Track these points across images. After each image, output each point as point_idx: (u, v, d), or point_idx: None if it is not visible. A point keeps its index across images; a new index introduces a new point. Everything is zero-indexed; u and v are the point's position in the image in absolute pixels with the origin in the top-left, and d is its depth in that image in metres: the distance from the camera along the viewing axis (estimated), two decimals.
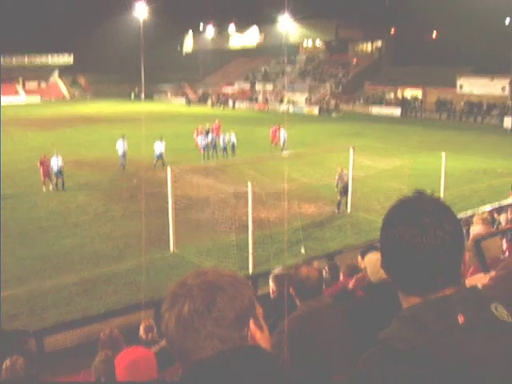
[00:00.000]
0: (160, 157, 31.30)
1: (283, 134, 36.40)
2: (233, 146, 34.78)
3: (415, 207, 1.66)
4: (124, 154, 30.85)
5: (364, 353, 1.63)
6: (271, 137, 37.72)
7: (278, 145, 36.31)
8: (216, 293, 1.52)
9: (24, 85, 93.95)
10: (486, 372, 1.43)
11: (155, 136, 32.33)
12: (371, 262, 4.36)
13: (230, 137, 35.06)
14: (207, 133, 36.13)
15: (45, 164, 26.06)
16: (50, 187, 25.97)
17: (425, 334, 1.50)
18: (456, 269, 1.64)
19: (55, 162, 25.97)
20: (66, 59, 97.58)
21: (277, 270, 5.90)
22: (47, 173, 26.01)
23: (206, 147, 34.26)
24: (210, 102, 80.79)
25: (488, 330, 1.50)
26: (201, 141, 34.53)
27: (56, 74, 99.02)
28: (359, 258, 6.43)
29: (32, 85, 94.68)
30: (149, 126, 44.09)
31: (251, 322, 1.56)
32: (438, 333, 1.49)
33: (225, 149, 34.51)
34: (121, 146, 30.95)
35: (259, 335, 1.58)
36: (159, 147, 31.57)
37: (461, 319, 1.50)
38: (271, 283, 5.65)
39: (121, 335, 7.34)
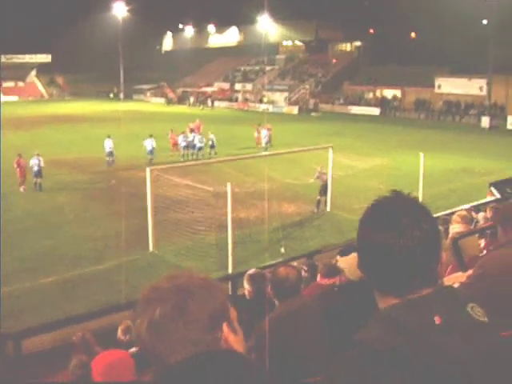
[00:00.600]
0: (152, 153, 32.17)
1: (265, 133, 36.48)
2: (212, 145, 34.78)
3: (392, 208, 1.65)
4: (111, 153, 31.31)
5: (341, 353, 1.62)
6: (256, 137, 37.81)
7: (260, 144, 36.43)
8: (187, 296, 1.50)
9: (1, 84, 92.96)
10: (462, 372, 1.42)
11: (142, 134, 32.65)
12: (349, 261, 4.35)
13: (209, 136, 35.11)
14: (191, 132, 36.20)
15: (21, 164, 25.81)
16: (21, 189, 25.69)
17: (402, 334, 1.49)
18: (433, 269, 1.64)
19: (35, 163, 25.75)
20: (44, 58, 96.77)
21: (251, 271, 5.89)
22: (23, 173, 25.76)
23: (186, 147, 34.24)
24: (189, 101, 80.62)
25: (464, 331, 1.50)
26: (181, 140, 34.48)
27: (33, 73, 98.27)
28: (338, 258, 6.44)
29: (9, 84, 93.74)
30: (128, 126, 43.87)
31: (224, 325, 1.55)
32: (415, 333, 1.48)
33: (200, 148, 34.58)
34: (108, 145, 31.37)
35: (233, 338, 1.56)
36: (150, 144, 32.42)
37: (437, 320, 1.50)
38: (246, 284, 5.65)
39: (93, 338, 7.28)
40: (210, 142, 34.93)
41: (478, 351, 1.46)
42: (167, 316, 1.48)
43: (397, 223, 1.60)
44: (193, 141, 34.82)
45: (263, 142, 36.36)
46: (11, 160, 27.49)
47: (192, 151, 34.53)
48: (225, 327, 1.55)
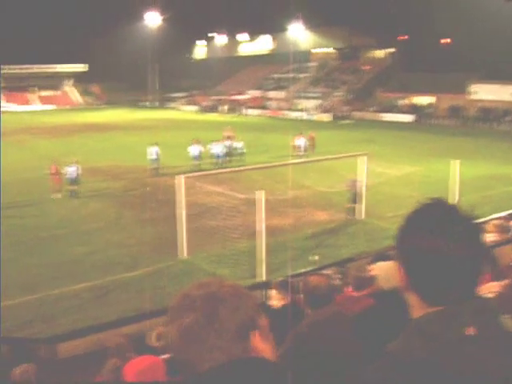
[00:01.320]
0: (197, 158, 32.83)
1: (303, 141, 36.41)
2: (241, 153, 34.95)
3: (441, 214, 1.63)
4: (157, 159, 31.67)
5: (371, 363, 1.61)
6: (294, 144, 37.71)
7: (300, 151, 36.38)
8: (218, 304, 1.51)
9: (39, 93, 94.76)
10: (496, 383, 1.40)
11: (175, 142, 32.86)
12: (383, 270, 4.32)
13: (238, 145, 35.32)
14: (228, 139, 36.42)
15: (56, 172, 26.21)
16: (59, 195, 26.06)
17: (433, 345, 1.47)
18: (476, 279, 1.62)
19: (73, 170, 26.22)
20: (81, 68, 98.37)
21: (280, 279, 5.89)
22: (58, 180, 26.14)
23: (221, 155, 34.51)
24: (221, 109, 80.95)
25: (498, 342, 1.48)
26: (216, 149, 34.69)
27: (70, 82, 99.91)
28: (372, 266, 6.39)
29: (47, 93, 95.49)
30: (162, 134, 44.25)
31: (255, 333, 1.55)
32: (447, 344, 1.46)
33: (225, 155, 34.68)
34: (153, 153, 31.77)
35: (263, 347, 1.56)
36: (195, 150, 33.05)
37: (470, 331, 1.48)
38: (275, 292, 5.64)
39: (129, 344, 7.34)
40: (240, 151, 35.07)
41: (511, 363, 1.44)
42: (198, 323, 1.49)
43: (448, 230, 1.58)
44: (233, 147, 35.19)
45: (301, 149, 36.15)
46: (44, 168, 27.95)
47: (224, 159, 34.61)
48: (255, 336, 1.55)
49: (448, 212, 1.64)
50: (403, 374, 1.47)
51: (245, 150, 35.19)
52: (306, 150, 35.94)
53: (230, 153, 34.93)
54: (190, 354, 1.50)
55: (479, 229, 1.64)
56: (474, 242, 1.59)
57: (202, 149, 33.54)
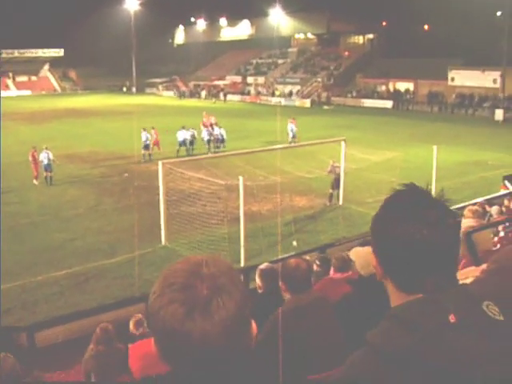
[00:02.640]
0: (183, 144, 32.90)
1: (291, 127, 36.28)
2: (222, 139, 34.85)
3: (415, 200, 1.61)
4: (147, 145, 31.52)
5: (352, 351, 1.59)
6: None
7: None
8: (219, 289, 1.39)
9: (14, 79, 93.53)
10: (478, 372, 1.40)
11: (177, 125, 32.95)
12: (360, 256, 4.32)
13: (220, 130, 35.15)
14: (212, 126, 36.21)
15: (35, 158, 25.99)
16: (35, 182, 25.88)
17: (414, 333, 1.46)
18: (453, 265, 1.61)
19: (45, 156, 25.82)
20: (57, 52, 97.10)
21: (263, 265, 5.88)
22: (37, 167, 25.91)
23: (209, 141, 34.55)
24: (201, 94, 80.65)
25: (480, 329, 1.47)
26: (205, 134, 34.68)
27: (46, 67, 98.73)
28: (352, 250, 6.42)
29: (22, 79, 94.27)
30: (140, 119, 43.94)
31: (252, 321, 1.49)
32: (429, 333, 1.45)
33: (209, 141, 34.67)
34: (144, 137, 31.54)
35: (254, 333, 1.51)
36: (182, 135, 33.03)
37: (452, 318, 1.47)
38: (257, 278, 5.63)
39: (114, 331, 7.32)
40: (220, 136, 34.96)
41: (494, 350, 1.43)
42: (206, 297, 1.36)
43: (421, 215, 1.56)
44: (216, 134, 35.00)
45: (290, 135, 35.80)
46: (25, 154, 27.68)
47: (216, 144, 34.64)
48: (253, 323, 1.49)
49: (420, 197, 1.63)
50: (383, 364, 1.46)
51: (225, 137, 35.02)
52: (294, 137, 35.70)
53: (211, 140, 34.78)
54: (192, 333, 1.35)
55: (452, 213, 1.62)
56: (447, 227, 1.57)
57: (190, 134, 33.47)
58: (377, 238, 1.66)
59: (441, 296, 1.53)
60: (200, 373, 1.40)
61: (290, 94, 74.40)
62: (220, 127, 35.47)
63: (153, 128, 33.05)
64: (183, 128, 33.47)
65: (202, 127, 36.33)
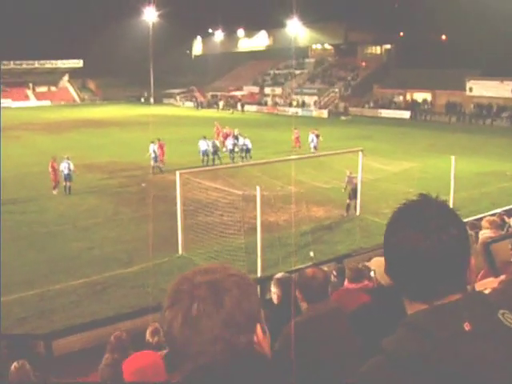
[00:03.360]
0: (205, 153, 32.85)
1: (312, 137, 36.25)
2: (247, 149, 34.89)
3: (420, 211, 1.62)
4: (156, 158, 31.22)
5: (368, 360, 1.59)
6: (294, 141, 37.78)
7: (302, 148, 36.30)
8: (224, 293, 1.44)
9: (34, 89, 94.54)
10: (492, 380, 1.39)
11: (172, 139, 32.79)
12: (381, 265, 4.30)
13: (244, 140, 35.20)
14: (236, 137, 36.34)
15: (54, 168, 26.16)
16: (57, 191, 26.06)
17: (429, 341, 1.45)
18: (461, 274, 1.61)
19: (65, 166, 25.98)
20: (76, 63, 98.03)
21: (279, 275, 5.87)
22: (56, 176, 26.09)
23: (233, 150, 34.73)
24: (219, 105, 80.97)
25: (495, 337, 1.46)
26: (229, 144, 34.92)
27: (66, 78, 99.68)
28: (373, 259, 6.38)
29: (42, 89, 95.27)
30: (158, 130, 44.18)
31: (258, 326, 1.51)
32: (443, 340, 1.45)
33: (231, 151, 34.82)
34: (151, 149, 31.29)
35: (263, 340, 1.53)
36: (203, 145, 33.03)
37: (467, 326, 1.46)
38: (274, 288, 5.62)
39: (129, 339, 7.33)
40: (245, 147, 34.98)
41: (508, 359, 1.42)
42: (205, 312, 1.41)
43: (424, 226, 1.57)
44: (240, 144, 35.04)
45: (311, 146, 36.00)
46: (43, 164, 27.93)
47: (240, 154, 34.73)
48: (258, 328, 1.50)
49: (427, 207, 1.63)
50: (398, 371, 1.46)
51: (250, 147, 35.02)
52: (315, 147, 35.72)
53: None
54: (191, 344, 1.42)
55: (458, 224, 1.62)
56: (449, 237, 1.56)
57: (211, 144, 33.54)
58: (384, 246, 1.68)
59: (456, 304, 1.53)
60: (204, 380, 1.42)
61: (303, 104, 74.36)
62: (245, 137, 35.39)
63: (158, 140, 32.68)
64: (204, 138, 33.53)
65: (220, 137, 36.46)
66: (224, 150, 35.14)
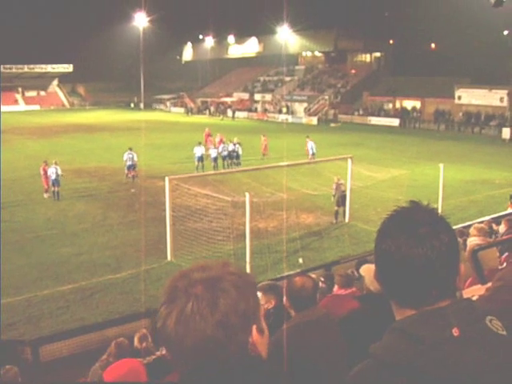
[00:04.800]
0: (200, 159, 32.75)
1: (311, 145, 36.03)
2: (237, 155, 34.89)
3: (411, 218, 1.63)
4: (133, 166, 30.00)
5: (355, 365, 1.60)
6: (262, 147, 37.86)
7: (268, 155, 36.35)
8: (220, 294, 1.43)
9: (23, 94, 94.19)
10: None
11: (163, 144, 32.46)
12: (369, 272, 4.31)
13: (234, 147, 35.16)
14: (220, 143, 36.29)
15: (46, 172, 26.04)
16: (45, 195, 25.97)
17: (418, 347, 1.47)
18: (451, 281, 1.62)
19: (53, 171, 25.83)
20: (66, 68, 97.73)
21: (265, 282, 5.88)
22: (46, 181, 25.98)
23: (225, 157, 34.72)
24: (210, 111, 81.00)
25: (482, 343, 1.47)
26: (222, 150, 34.79)
27: (55, 82, 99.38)
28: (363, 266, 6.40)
29: (31, 94, 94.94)
30: (148, 136, 44.14)
31: (254, 327, 1.49)
32: (432, 346, 1.46)
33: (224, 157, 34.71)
34: (129, 158, 30.01)
35: (259, 341, 1.52)
36: (199, 151, 32.94)
37: (456, 332, 1.48)
38: (260, 295, 5.62)
39: (129, 347, 7.32)
40: (235, 153, 34.99)
41: (496, 364, 1.44)
42: (198, 313, 1.40)
43: (415, 232, 1.58)
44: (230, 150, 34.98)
45: (310, 153, 35.63)
46: (32, 168, 27.81)
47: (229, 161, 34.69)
48: (254, 329, 1.49)
49: (416, 214, 1.64)
50: (386, 376, 1.47)
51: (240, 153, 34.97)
52: (313, 154, 35.32)
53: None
54: (184, 343, 1.41)
55: (448, 230, 1.63)
56: (439, 243, 1.57)
57: (204, 151, 33.46)
58: (375, 252, 1.69)
59: (444, 310, 1.54)
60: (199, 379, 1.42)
61: (289, 110, 74.51)
62: (235, 144, 35.38)
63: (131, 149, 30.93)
64: (200, 144, 33.52)
65: (209, 144, 36.36)
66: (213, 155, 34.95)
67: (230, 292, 1.43)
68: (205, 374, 1.42)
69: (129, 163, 30.03)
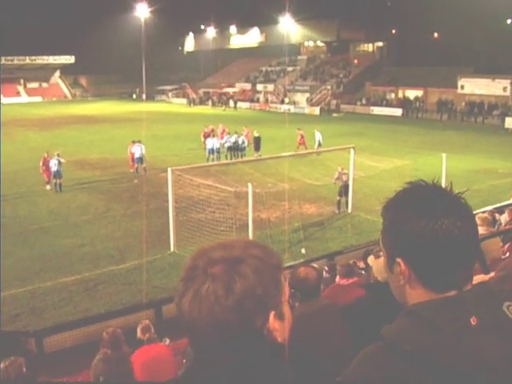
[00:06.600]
0: (211, 151, 32.79)
1: (318, 136, 35.80)
2: (244, 147, 34.73)
3: (430, 195, 1.59)
4: (141, 159, 29.58)
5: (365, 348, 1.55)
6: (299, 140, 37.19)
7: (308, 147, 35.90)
8: (237, 278, 1.36)
9: (25, 85, 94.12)
10: (499, 375, 1.38)
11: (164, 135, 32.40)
12: (378, 262, 4.32)
13: (239, 138, 34.99)
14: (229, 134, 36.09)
15: (47, 163, 26.01)
16: (47, 187, 25.98)
17: (435, 334, 1.42)
18: (472, 264, 1.57)
19: (55, 163, 25.79)
20: (68, 59, 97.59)
21: None
22: (47, 173, 25.96)
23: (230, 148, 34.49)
24: (211, 102, 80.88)
25: (500, 332, 1.44)
26: (227, 141, 34.66)
27: (57, 74, 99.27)
28: (370, 258, 6.40)
29: (33, 85, 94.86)
30: (150, 127, 44.08)
31: (272, 313, 1.41)
32: (449, 334, 1.42)
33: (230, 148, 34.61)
34: (137, 151, 29.64)
35: (277, 327, 1.42)
36: (212, 142, 33.10)
37: (473, 321, 1.44)
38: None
39: (122, 335, 7.32)
40: (244, 145, 34.81)
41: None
42: (214, 295, 1.35)
43: (440, 209, 1.52)
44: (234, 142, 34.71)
45: (317, 143, 35.34)
46: (35, 160, 27.81)
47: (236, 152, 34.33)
48: (271, 316, 1.41)
49: (439, 192, 1.60)
50: (398, 361, 1.43)
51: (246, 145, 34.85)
52: (320, 145, 35.09)
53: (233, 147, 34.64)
54: (198, 323, 1.37)
55: (467, 205, 1.58)
56: (466, 218, 1.53)
57: (218, 143, 33.39)
58: (392, 230, 1.61)
59: (463, 297, 1.50)
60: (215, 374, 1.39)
61: (291, 101, 74.35)
62: (240, 135, 35.21)
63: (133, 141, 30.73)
64: (213, 136, 33.33)
65: (214, 136, 36.11)
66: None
67: (248, 276, 1.37)
68: (216, 357, 1.38)
69: (137, 155, 29.61)
